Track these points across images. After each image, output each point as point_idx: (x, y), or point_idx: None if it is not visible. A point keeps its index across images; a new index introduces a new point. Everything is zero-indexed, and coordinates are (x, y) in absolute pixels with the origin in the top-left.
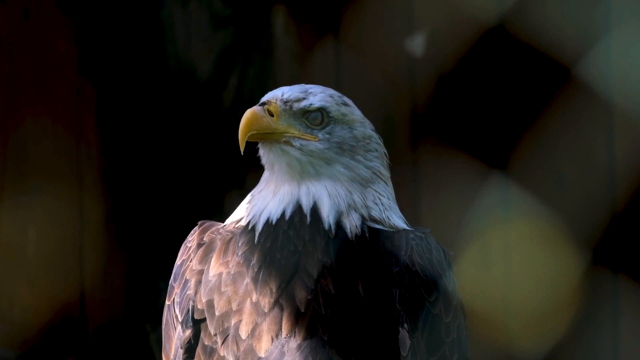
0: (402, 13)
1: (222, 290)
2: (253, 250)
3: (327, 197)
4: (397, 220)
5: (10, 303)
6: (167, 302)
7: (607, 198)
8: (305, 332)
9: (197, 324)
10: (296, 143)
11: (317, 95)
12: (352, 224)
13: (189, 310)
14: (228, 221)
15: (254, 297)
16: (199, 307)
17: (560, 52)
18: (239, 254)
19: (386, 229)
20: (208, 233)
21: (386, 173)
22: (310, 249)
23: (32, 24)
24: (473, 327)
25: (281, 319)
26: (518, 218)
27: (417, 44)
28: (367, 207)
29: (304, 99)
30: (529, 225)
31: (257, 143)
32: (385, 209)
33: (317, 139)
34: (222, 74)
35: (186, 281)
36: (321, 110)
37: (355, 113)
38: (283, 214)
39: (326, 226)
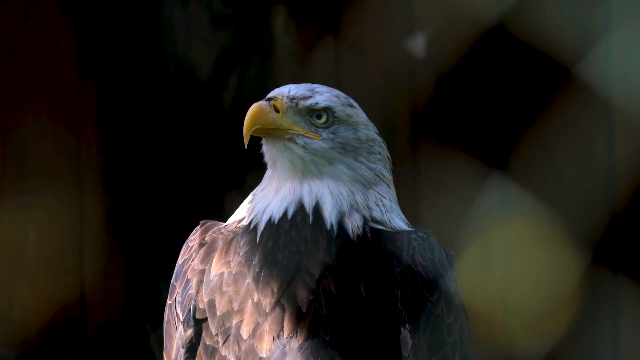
0: (402, 13)
1: (224, 290)
2: (254, 250)
3: (329, 196)
4: (399, 222)
5: (10, 303)
6: (168, 302)
7: (607, 198)
8: (307, 333)
9: (198, 324)
10: (300, 140)
11: (323, 94)
12: (354, 224)
13: (190, 309)
14: (230, 220)
15: (255, 297)
16: (200, 306)
17: (560, 52)
18: (241, 253)
19: (388, 229)
20: (210, 233)
21: (388, 176)
22: (312, 249)
23: (32, 24)
24: (473, 327)
25: (283, 319)
26: (518, 218)
27: (417, 44)
28: (369, 208)
29: (310, 97)
30: (529, 225)
31: (259, 140)
32: (387, 210)
33: (321, 138)
34: (222, 74)
35: (188, 280)
36: (327, 109)
37: (360, 115)
38: (285, 213)
39: (328, 226)
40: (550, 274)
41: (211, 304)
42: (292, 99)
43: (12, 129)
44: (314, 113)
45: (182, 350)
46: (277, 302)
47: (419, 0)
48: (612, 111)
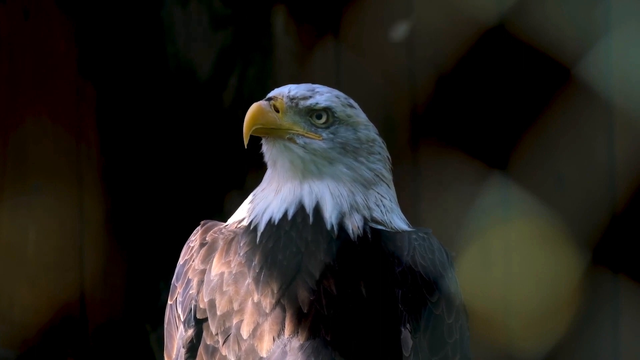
0: (402, 13)
1: (224, 289)
2: (255, 250)
3: (329, 197)
4: (399, 222)
5: (10, 303)
6: (169, 302)
7: (607, 198)
8: (308, 333)
9: (199, 324)
10: (300, 141)
11: (323, 94)
12: (354, 224)
13: (191, 309)
14: (230, 221)
15: (255, 298)
16: (201, 306)
17: (560, 52)
18: (241, 254)
19: (388, 230)
20: (210, 233)
21: (388, 176)
22: (313, 250)
23: (32, 24)
24: (473, 327)
25: (283, 319)
26: (518, 218)
27: (417, 44)
28: (369, 208)
29: (310, 97)
30: (529, 225)
31: (259, 140)
32: (387, 211)
33: (321, 138)
34: (222, 74)
35: (189, 281)
36: (327, 109)
37: (360, 115)
38: (285, 214)
39: (328, 227)
40: (550, 274)
41: (211, 303)
42: (292, 99)
43: (12, 129)
44: (314, 113)
45: (183, 350)
46: (277, 303)
47: (419, 0)
48: (612, 111)
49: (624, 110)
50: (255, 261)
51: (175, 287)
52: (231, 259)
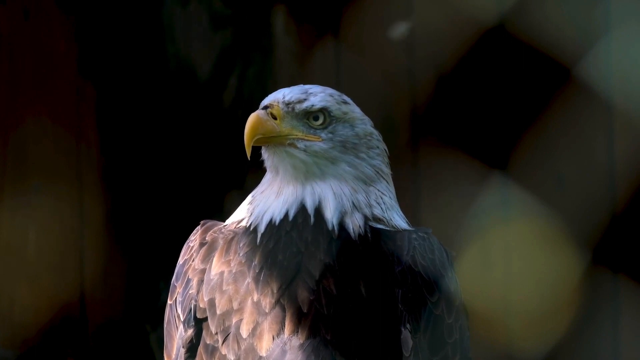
0: (402, 13)
1: (224, 289)
2: (255, 251)
3: (332, 196)
4: (399, 220)
5: (10, 303)
6: (169, 302)
7: (607, 198)
8: (307, 332)
9: (199, 323)
10: (300, 145)
11: (317, 95)
12: (354, 224)
13: (191, 309)
14: (229, 221)
15: (255, 297)
16: (201, 306)
17: (560, 52)
18: (241, 254)
19: (388, 228)
20: (210, 232)
21: (387, 171)
22: (313, 250)
23: (32, 24)
24: (473, 327)
25: (283, 318)
26: (518, 218)
27: (417, 44)
28: (370, 206)
29: (305, 100)
30: (529, 225)
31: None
32: (388, 208)
33: (320, 139)
34: (222, 74)
35: (188, 280)
36: (323, 110)
37: (355, 111)
38: (286, 215)
39: (329, 227)
40: (550, 274)
41: (211, 302)
42: (287, 104)
43: (12, 129)
44: (310, 115)
45: (183, 350)
46: (277, 302)
47: (419, 0)
48: (612, 111)
49: (624, 110)
50: (256, 261)
51: (175, 286)
52: (231, 258)
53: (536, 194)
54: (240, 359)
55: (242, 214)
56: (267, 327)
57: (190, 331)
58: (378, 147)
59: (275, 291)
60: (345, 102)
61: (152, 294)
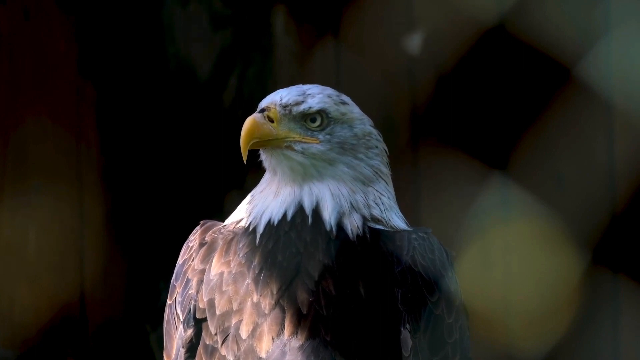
0: (402, 13)
1: (223, 289)
2: (254, 251)
3: (329, 197)
4: (398, 220)
5: (10, 303)
6: (168, 302)
7: (607, 198)
8: (307, 333)
9: (198, 324)
10: (298, 147)
11: (315, 97)
12: (353, 224)
13: (190, 309)
14: (228, 221)
15: (255, 298)
16: (200, 306)
17: (560, 52)
18: (240, 255)
19: (387, 229)
20: (210, 233)
21: (386, 171)
22: (311, 251)
23: (32, 24)
24: (473, 327)
25: (283, 319)
26: (518, 218)
27: (417, 44)
28: (368, 206)
29: (302, 102)
30: (529, 225)
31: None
32: (386, 208)
33: (318, 141)
34: (222, 74)
35: (188, 280)
36: (321, 112)
37: (354, 111)
38: (284, 215)
39: (327, 227)
40: (550, 274)
41: (211, 303)
42: (284, 106)
43: (12, 129)
44: (308, 117)
45: (182, 350)
46: (276, 304)
47: (419, 0)
48: (612, 111)
49: (624, 110)
50: (255, 262)
51: (175, 286)
52: (231, 258)
53: (536, 194)
54: None
55: (241, 214)
56: (267, 328)
57: (189, 331)
58: (377, 147)
59: (274, 292)
60: (343, 103)
61: (152, 294)
